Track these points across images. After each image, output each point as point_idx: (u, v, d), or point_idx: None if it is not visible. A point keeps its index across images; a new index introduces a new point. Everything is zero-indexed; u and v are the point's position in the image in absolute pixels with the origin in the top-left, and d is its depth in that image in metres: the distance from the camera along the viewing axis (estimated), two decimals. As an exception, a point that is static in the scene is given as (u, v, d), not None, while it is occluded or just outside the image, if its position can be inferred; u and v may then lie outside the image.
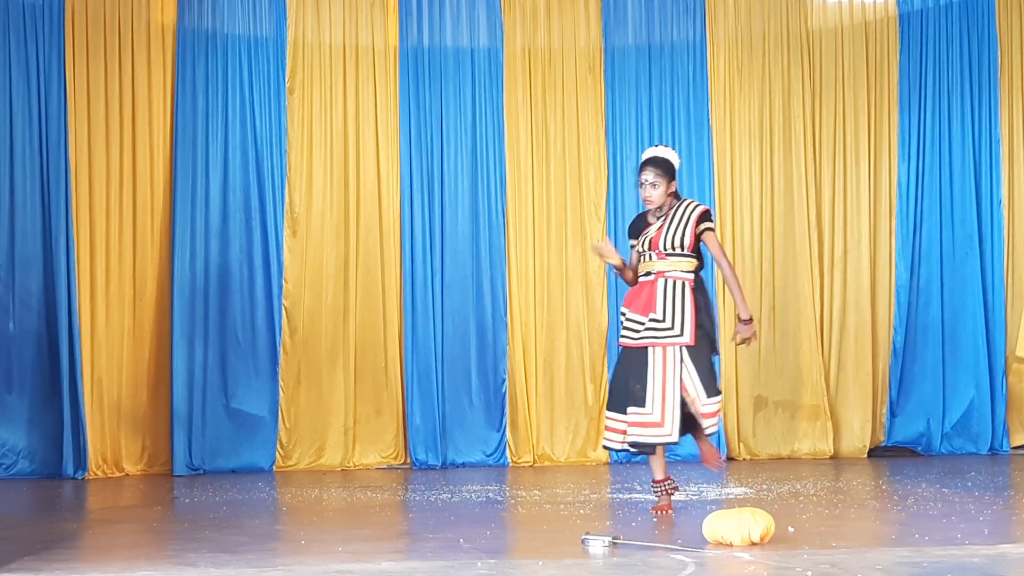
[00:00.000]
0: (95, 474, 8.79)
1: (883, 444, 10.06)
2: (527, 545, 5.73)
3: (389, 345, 9.67)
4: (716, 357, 6.70)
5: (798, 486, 7.68)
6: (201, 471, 9.15)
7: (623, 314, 6.62)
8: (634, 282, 6.66)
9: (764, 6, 10.10)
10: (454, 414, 9.69)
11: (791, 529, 5.59)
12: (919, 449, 9.98)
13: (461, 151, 9.83)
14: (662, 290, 6.51)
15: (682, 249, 6.53)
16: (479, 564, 4.75)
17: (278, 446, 9.45)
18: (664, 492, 6.54)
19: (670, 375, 6.46)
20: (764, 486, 7.75)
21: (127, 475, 9.00)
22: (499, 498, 7.48)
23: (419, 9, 9.83)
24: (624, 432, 6.51)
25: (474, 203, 9.83)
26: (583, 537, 5.20)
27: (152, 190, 9.23)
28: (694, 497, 7.24)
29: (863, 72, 10.15)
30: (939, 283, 10.04)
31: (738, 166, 10.03)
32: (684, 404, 6.47)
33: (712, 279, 9.89)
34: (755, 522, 5.13)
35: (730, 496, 7.33)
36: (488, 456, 9.69)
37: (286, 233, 9.55)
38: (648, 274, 6.57)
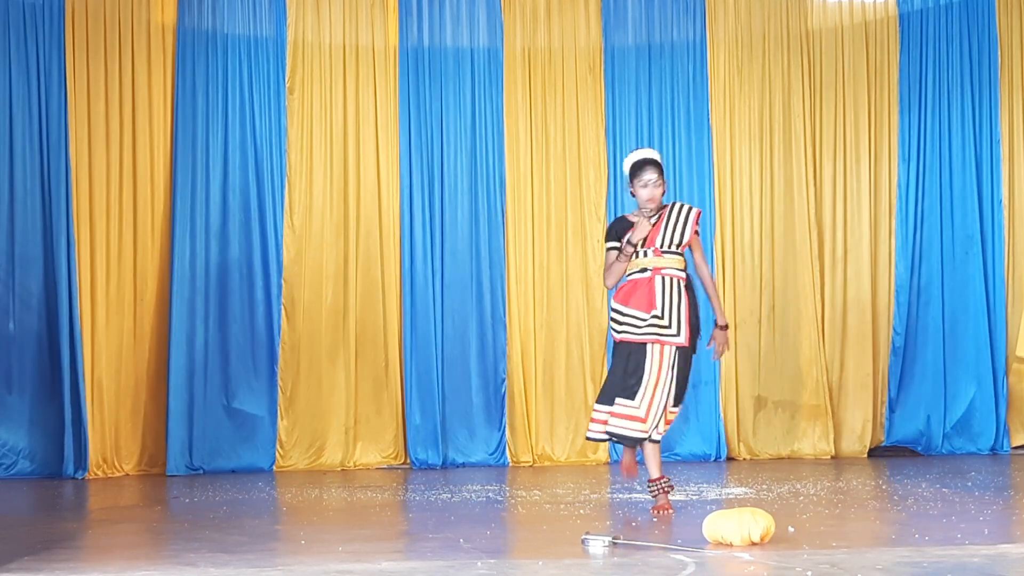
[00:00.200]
0: (95, 474, 8.79)
1: (883, 444, 10.06)
2: (527, 545, 5.73)
3: (389, 345, 9.68)
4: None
5: (798, 486, 7.68)
6: (201, 471, 9.15)
7: (617, 311, 6.63)
8: (619, 275, 6.68)
9: (764, 6, 10.10)
10: (454, 414, 9.69)
11: (791, 529, 5.58)
12: (919, 449, 9.98)
13: (461, 151, 9.83)
14: (660, 288, 6.56)
15: (677, 248, 6.61)
16: (479, 564, 4.75)
17: (278, 446, 9.46)
18: (660, 491, 6.54)
19: (664, 374, 6.52)
20: (764, 486, 7.75)
21: (127, 475, 9.00)
22: (499, 498, 7.48)
23: (419, 9, 9.83)
24: (605, 422, 6.53)
25: (474, 203, 9.83)
26: (583, 537, 5.20)
27: (152, 190, 9.24)
28: (694, 497, 7.24)
29: (863, 72, 10.15)
30: (939, 283, 10.04)
31: (738, 166, 10.03)
32: None
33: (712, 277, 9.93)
34: (755, 522, 5.13)
35: (730, 496, 7.33)
36: (488, 456, 9.69)
37: (286, 233, 9.55)
38: (644, 271, 6.60)
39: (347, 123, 9.73)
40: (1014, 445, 9.98)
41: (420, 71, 9.80)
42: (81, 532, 6.34)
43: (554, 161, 9.93)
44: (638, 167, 6.70)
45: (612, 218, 9.85)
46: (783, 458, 9.88)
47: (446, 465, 9.58)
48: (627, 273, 6.66)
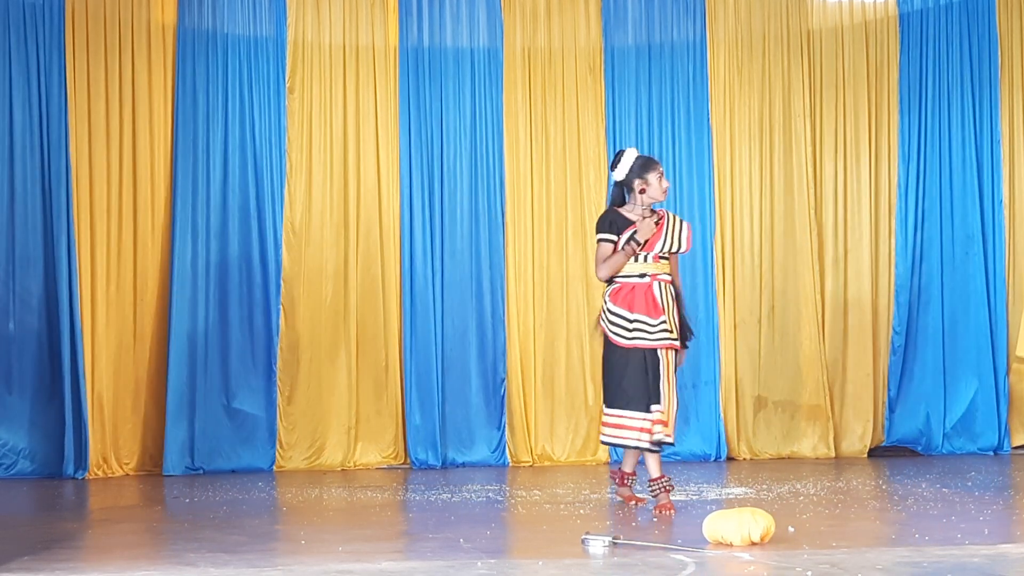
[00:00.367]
0: (95, 474, 8.79)
1: (883, 444, 10.06)
2: (527, 545, 5.74)
3: (389, 345, 9.67)
4: None
5: (798, 486, 7.68)
6: (201, 471, 9.15)
7: (623, 316, 6.66)
8: (621, 267, 6.71)
9: (764, 6, 10.10)
10: (454, 414, 9.69)
11: (791, 529, 5.59)
12: (919, 449, 9.98)
13: (461, 151, 9.83)
14: (659, 294, 6.69)
15: (669, 255, 6.77)
16: (479, 564, 4.76)
17: (278, 446, 9.45)
18: (662, 489, 6.58)
19: (672, 377, 6.69)
20: (764, 486, 7.75)
21: (127, 475, 8.99)
22: (499, 498, 7.48)
23: (419, 9, 9.82)
24: (650, 431, 6.56)
25: (474, 203, 9.82)
26: (583, 537, 5.20)
27: (152, 190, 9.23)
28: (694, 497, 7.24)
29: (863, 72, 10.14)
30: (939, 283, 10.03)
31: (738, 166, 10.02)
32: None
33: (712, 278, 9.94)
34: (755, 522, 5.13)
35: (730, 496, 7.33)
36: (488, 456, 9.69)
37: (286, 233, 9.55)
38: (643, 276, 6.66)
39: (347, 123, 9.72)
40: (1014, 445, 9.98)
41: (420, 71, 9.79)
42: (81, 532, 6.34)
43: (554, 161, 9.93)
44: (651, 160, 6.77)
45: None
46: (783, 458, 9.88)
47: (446, 465, 9.57)
48: (623, 274, 6.70)
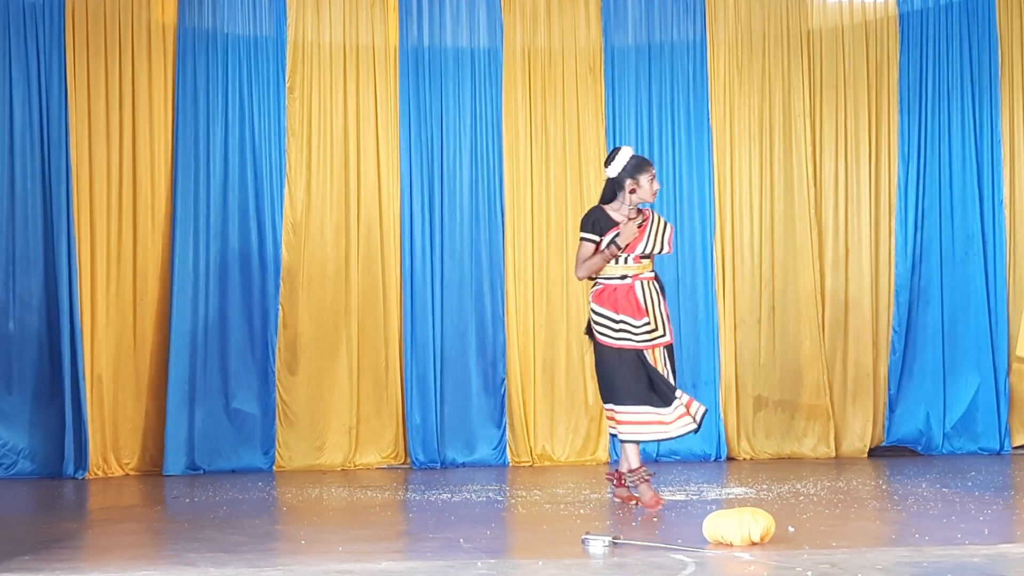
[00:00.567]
0: (95, 474, 8.79)
1: (883, 444, 10.06)
2: (527, 545, 5.74)
3: (389, 345, 9.67)
4: None
5: (798, 486, 7.68)
6: (201, 471, 9.15)
7: (608, 316, 6.74)
8: (599, 268, 6.78)
9: (764, 6, 10.10)
10: (454, 414, 9.69)
11: (791, 529, 5.59)
12: (919, 449, 9.98)
13: (461, 151, 9.83)
14: (642, 294, 6.78)
15: (650, 255, 6.84)
16: (479, 564, 4.76)
17: (278, 446, 9.45)
18: (642, 479, 6.68)
19: (665, 370, 6.76)
20: (764, 486, 7.75)
21: (127, 475, 9.00)
22: (499, 498, 7.48)
23: (419, 9, 9.82)
24: (682, 416, 6.69)
25: (474, 203, 9.82)
26: (583, 537, 5.20)
27: (153, 190, 9.23)
28: (694, 497, 7.24)
29: (863, 72, 10.14)
30: (939, 283, 10.03)
31: (738, 166, 10.02)
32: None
33: (712, 278, 9.94)
34: (755, 522, 5.13)
35: (730, 496, 7.33)
36: (488, 456, 9.69)
37: (286, 233, 9.55)
38: (624, 277, 6.72)
39: (347, 123, 9.72)
40: (1015, 445, 9.98)
41: (420, 71, 9.79)
42: (81, 532, 6.34)
43: (554, 161, 9.93)
44: (645, 162, 6.80)
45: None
46: (783, 458, 9.88)
47: (446, 465, 9.57)
48: (604, 276, 6.79)
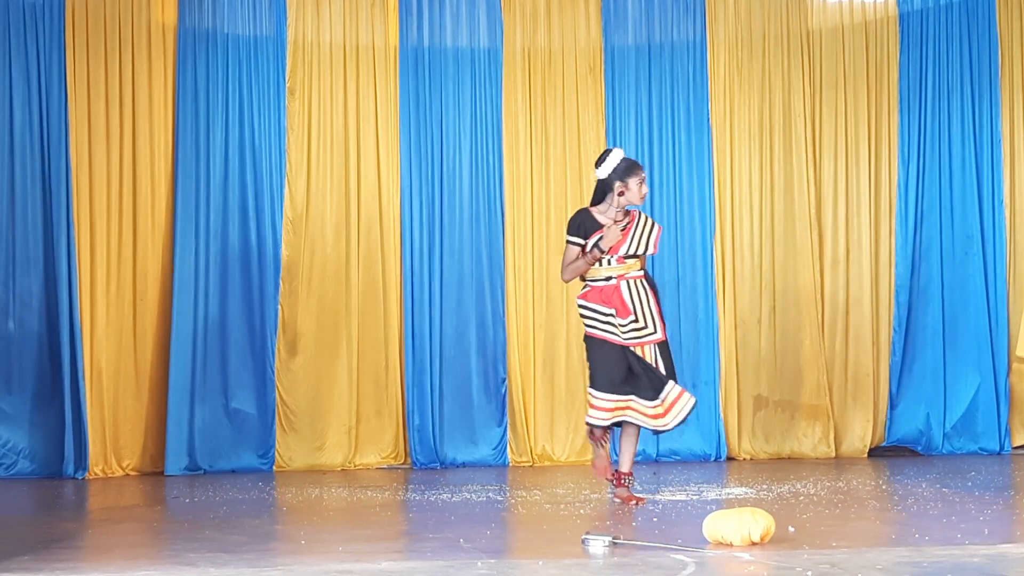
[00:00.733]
0: (95, 474, 8.79)
1: (883, 444, 10.06)
2: (527, 545, 5.74)
3: (389, 345, 9.67)
4: None
5: (798, 486, 7.68)
6: (201, 471, 9.15)
7: (594, 309, 6.82)
8: (583, 271, 6.85)
9: (764, 6, 10.10)
10: (454, 414, 9.69)
11: (791, 529, 5.59)
12: (919, 449, 9.98)
13: (461, 151, 9.83)
14: (627, 292, 6.82)
15: (637, 256, 6.85)
16: (479, 564, 4.76)
17: (278, 446, 9.45)
18: (600, 445, 6.89)
19: (660, 367, 6.82)
20: (764, 486, 7.75)
21: (127, 475, 9.00)
22: (499, 498, 7.48)
23: (419, 9, 9.82)
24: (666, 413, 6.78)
25: (474, 202, 9.82)
26: (583, 537, 5.20)
27: (153, 190, 9.23)
28: (694, 497, 7.24)
29: (863, 72, 10.14)
30: (939, 283, 10.03)
31: (738, 166, 10.02)
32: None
33: (712, 278, 9.94)
34: (755, 522, 5.13)
35: (730, 496, 7.33)
36: (488, 456, 9.69)
37: (286, 233, 9.55)
38: (608, 279, 6.78)
39: (347, 123, 9.72)
40: (1015, 445, 9.98)
41: (420, 71, 9.79)
42: (81, 532, 6.34)
43: (554, 161, 9.93)
44: (635, 165, 6.82)
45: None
46: (783, 458, 9.88)
47: (446, 465, 9.57)
48: (589, 278, 6.86)
